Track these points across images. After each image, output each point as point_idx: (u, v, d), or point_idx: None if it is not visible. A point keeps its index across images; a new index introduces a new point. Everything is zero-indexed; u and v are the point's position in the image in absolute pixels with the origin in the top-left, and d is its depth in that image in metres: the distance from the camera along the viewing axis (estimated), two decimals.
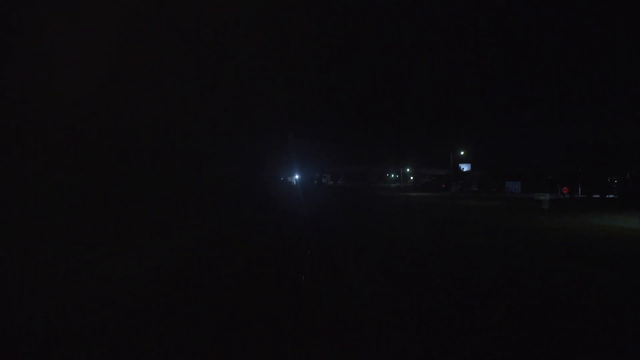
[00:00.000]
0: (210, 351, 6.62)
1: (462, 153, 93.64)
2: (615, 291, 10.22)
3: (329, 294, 9.63)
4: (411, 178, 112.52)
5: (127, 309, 8.65)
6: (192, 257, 14.27)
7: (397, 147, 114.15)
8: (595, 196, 52.69)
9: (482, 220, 26.74)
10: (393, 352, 6.63)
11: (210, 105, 42.65)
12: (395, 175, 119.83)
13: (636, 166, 54.19)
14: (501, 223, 24.99)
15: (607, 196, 52.79)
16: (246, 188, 44.07)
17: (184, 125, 36.40)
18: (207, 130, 39.95)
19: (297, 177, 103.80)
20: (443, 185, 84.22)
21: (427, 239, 18.45)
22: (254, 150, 60.45)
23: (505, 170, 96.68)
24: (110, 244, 15.71)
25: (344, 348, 6.69)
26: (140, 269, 12.47)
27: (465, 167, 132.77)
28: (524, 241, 17.73)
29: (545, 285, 10.55)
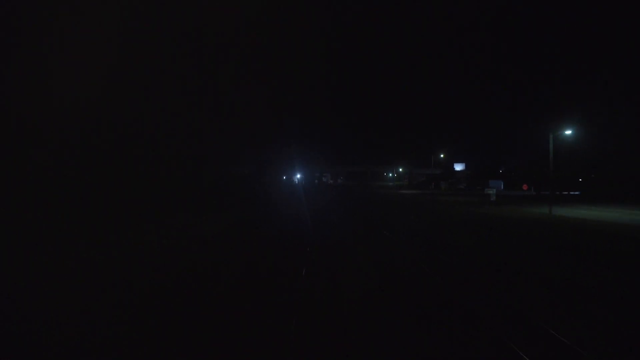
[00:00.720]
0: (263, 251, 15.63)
1: (442, 156, 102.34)
2: (476, 238, 19.28)
3: (327, 239, 18.74)
4: (407, 177, 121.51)
5: (223, 240, 17.73)
6: (242, 224, 23.41)
7: (395, 148, 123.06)
8: (544, 192, 61.70)
9: (439, 209, 35.84)
10: (355, 258, 15.69)
11: (227, 117, 52.01)
12: (393, 175, 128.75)
13: (593, 169, 63.26)
14: (451, 211, 34.06)
15: (563, 192, 61.73)
16: (260, 184, 53.66)
17: (209, 135, 45.82)
18: (229, 140, 49.44)
19: (299, 176, 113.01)
20: (432, 184, 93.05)
21: (389, 216, 27.63)
22: (265, 153, 69.95)
23: (490, 169, 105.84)
24: (197, 216, 25.05)
25: (333, 270, 15.75)
26: (220, 226, 21.57)
27: (459, 167, 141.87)
28: (449, 219, 26.87)
29: (448, 238, 19.64)
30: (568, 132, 28.82)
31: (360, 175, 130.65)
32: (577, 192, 65.20)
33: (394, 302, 8.90)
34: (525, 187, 58.32)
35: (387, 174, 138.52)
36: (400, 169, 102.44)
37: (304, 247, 15.60)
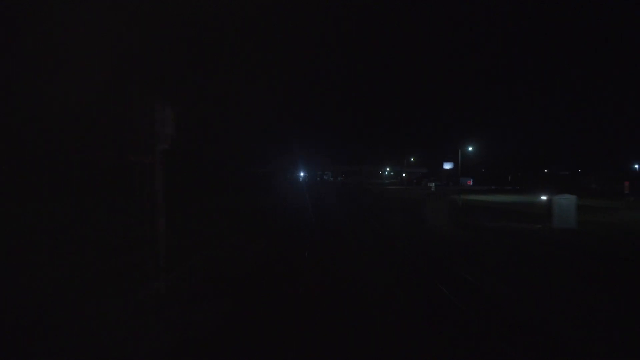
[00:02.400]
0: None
1: (412, 156, 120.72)
2: (397, 206, 37.47)
3: (321, 206, 37.00)
4: (403, 175, 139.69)
5: (264, 210, 35.89)
6: (272, 204, 41.55)
7: (389, 149, 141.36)
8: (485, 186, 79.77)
9: (396, 197, 54.12)
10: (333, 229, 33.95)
11: (247, 126, 70.49)
12: (387, 173, 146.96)
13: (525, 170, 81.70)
14: (404, 199, 52.19)
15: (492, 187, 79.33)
16: (276, 180, 72.62)
17: (241, 144, 64.29)
18: (252, 145, 67.97)
19: (302, 174, 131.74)
20: (414, 181, 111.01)
21: (360, 198, 45.97)
22: (278, 155, 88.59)
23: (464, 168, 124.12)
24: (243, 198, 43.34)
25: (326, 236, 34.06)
26: (269, 203, 39.74)
27: (447, 166, 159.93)
28: (389, 204, 45.10)
29: (381, 206, 37.82)
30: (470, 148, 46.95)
31: (358, 173, 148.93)
32: (508, 187, 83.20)
33: (353, 227, 27.23)
34: (469, 182, 76.88)
35: (382, 172, 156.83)
36: (388, 169, 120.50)
37: (309, 208, 33.98)
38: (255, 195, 48.22)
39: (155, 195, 9.05)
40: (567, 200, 21.03)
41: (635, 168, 78.82)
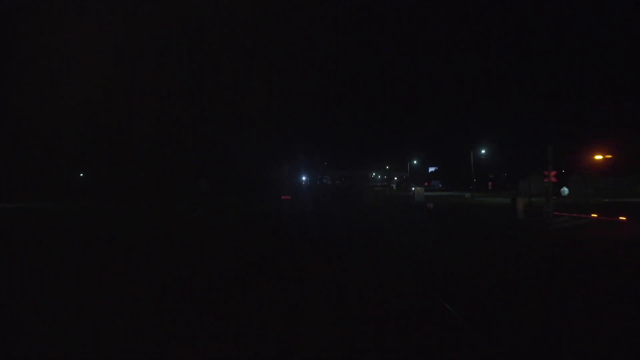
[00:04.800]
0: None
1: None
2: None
3: (322, 201, 59.23)
4: (395, 179, 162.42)
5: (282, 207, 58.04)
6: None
7: (384, 154, 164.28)
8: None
9: (380, 195, 76.36)
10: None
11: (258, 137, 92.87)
12: (378, 177, 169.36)
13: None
14: (384, 195, 74.35)
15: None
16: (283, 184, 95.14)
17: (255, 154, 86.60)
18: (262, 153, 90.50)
19: (304, 178, 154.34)
20: (403, 184, 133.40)
21: (350, 197, 68.23)
22: (284, 161, 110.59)
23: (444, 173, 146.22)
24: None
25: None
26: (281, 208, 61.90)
27: (432, 169, 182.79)
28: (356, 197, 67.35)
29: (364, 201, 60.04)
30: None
31: (354, 177, 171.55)
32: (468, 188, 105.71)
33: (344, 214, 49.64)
34: (427, 183, 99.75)
35: (374, 176, 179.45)
36: (373, 173, 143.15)
37: (313, 201, 56.41)
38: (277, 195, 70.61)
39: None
40: (420, 189, 43.96)
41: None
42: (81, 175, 79.62)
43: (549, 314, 7.65)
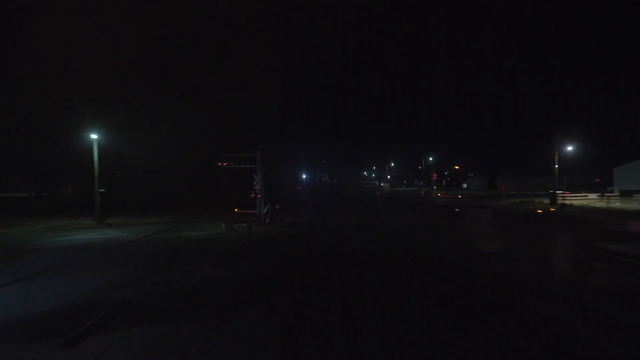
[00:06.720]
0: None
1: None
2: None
3: (321, 193, 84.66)
4: (388, 177, 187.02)
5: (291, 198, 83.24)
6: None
7: (377, 155, 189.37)
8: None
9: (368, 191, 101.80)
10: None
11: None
12: (373, 175, 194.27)
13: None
14: (359, 188, 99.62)
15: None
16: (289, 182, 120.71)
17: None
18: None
19: (305, 176, 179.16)
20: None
21: (342, 191, 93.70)
22: (287, 161, 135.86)
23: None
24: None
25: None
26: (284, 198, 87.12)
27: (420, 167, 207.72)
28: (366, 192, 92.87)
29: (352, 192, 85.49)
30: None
31: (352, 176, 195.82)
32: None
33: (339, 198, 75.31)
34: (405, 182, 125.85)
35: (369, 174, 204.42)
36: (365, 173, 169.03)
37: (312, 194, 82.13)
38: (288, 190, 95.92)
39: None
40: (386, 184, 70.07)
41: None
42: None
43: (399, 211, 33.90)
